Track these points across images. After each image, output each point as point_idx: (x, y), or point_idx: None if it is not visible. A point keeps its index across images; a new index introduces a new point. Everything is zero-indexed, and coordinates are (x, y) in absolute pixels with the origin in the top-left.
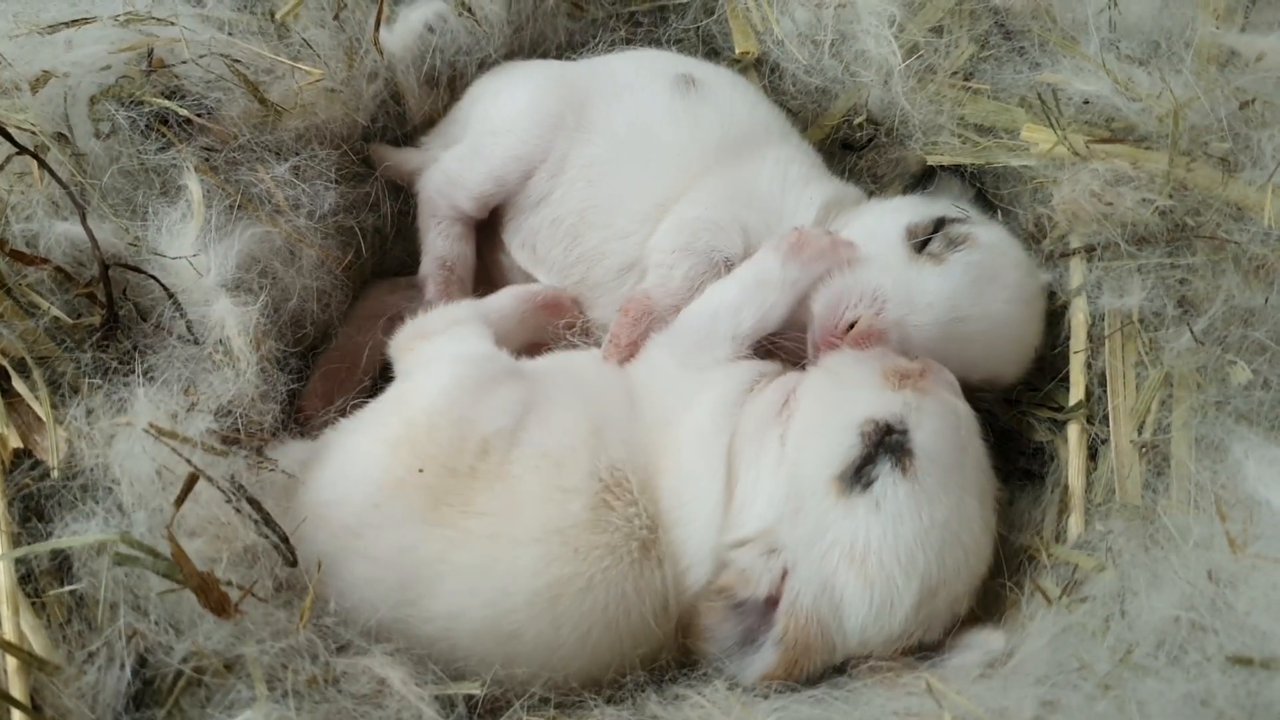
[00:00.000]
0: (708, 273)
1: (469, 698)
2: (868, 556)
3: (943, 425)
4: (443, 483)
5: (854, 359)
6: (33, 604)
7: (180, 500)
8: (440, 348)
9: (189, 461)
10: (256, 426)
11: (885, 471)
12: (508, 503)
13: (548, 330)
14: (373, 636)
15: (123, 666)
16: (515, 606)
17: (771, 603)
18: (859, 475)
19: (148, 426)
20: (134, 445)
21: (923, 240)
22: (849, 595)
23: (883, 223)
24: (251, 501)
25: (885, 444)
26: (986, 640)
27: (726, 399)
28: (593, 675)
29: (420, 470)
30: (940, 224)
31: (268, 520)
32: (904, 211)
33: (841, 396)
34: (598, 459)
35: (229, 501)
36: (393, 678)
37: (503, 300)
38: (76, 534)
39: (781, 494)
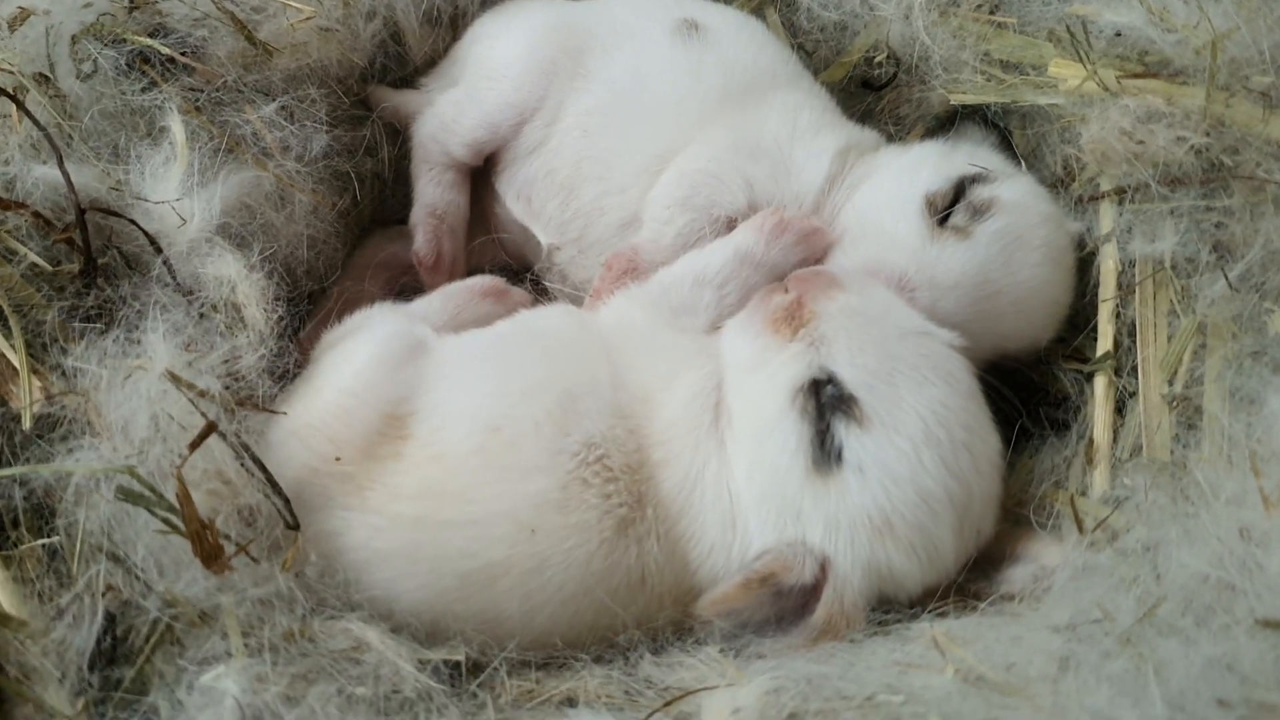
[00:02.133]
0: (706, 229)
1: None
2: (890, 522)
3: (854, 340)
4: (363, 469)
5: (739, 330)
6: (4, 557)
7: (195, 445)
8: (357, 338)
9: (203, 414)
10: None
11: (843, 433)
12: (440, 485)
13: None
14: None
15: (92, 623)
16: (448, 588)
17: (816, 587)
18: (825, 453)
19: (165, 371)
20: (134, 391)
21: (945, 213)
22: (896, 564)
23: (900, 188)
24: (257, 461)
25: (824, 406)
26: (1042, 552)
27: (709, 386)
28: (557, 641)
29: (337, 459)
30: (961, 189)
31: (272, 482)
32: (922, 171)
33: (761, 381)
34: (569, 434)
35: (238, 458)
36: (371, 636)
37: (430, 301)
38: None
39: (772, 508)
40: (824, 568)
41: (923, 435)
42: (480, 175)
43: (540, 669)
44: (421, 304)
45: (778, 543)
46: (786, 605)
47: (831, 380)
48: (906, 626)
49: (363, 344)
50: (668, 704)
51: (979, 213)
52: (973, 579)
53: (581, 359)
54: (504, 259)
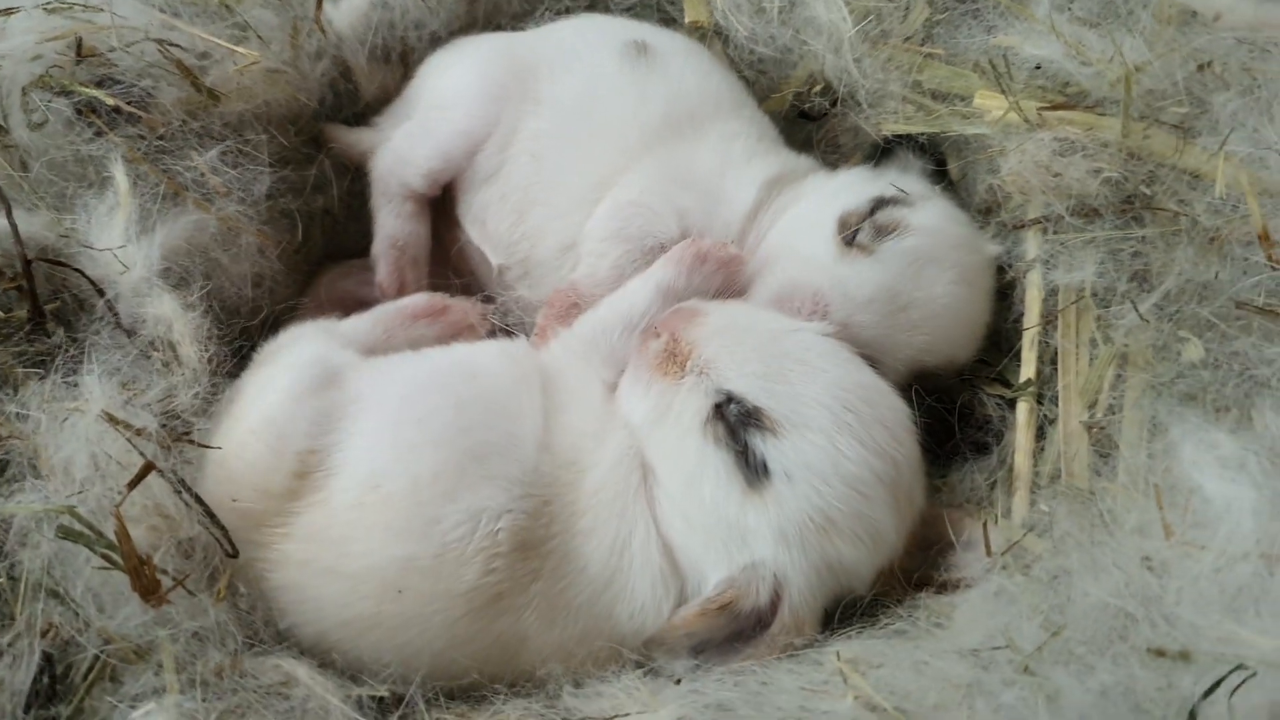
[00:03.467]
0: (639, 260)
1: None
2: (830, 518)
3: (736, 354)
4: (261, 505)
5: (632, 387)
6: None
7: (133, 484)
8: (276, 365)
9: (140, 453)
10: (191, 423)
11: (761, 445)
12: (323, 532)
13: (442, 337)
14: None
15: (30, 662)
16: (327, 629)
17: (773, 604)
18: (752, 471)
19: (101, 413)
20: (72, 433)
21: (853, 232)
22: (846, 555)
23: (819, 210)
24: (195, 495)
25: (734, 426)
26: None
27: (634, 448)
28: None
29: (234, 500)
30: (875, 210)
31: (209, 514)
32: (841, 195)
33: (669, 428)
34: (455, 500)
35: (177, 492)
36: (300, 672)
37: (359, 321)
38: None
39: (718, 543)
40: (777, 587)
41: (833, 423)
42: (440, 206)
43: (464, 701)
44: (350, 324)
45: (731, 571)
46: (744, 625)
47: (731, 398)
48: (818, 650)
49: (277, 377)
50: None
51: (884, 231)
52: (921, 564)
53: (503, 412)
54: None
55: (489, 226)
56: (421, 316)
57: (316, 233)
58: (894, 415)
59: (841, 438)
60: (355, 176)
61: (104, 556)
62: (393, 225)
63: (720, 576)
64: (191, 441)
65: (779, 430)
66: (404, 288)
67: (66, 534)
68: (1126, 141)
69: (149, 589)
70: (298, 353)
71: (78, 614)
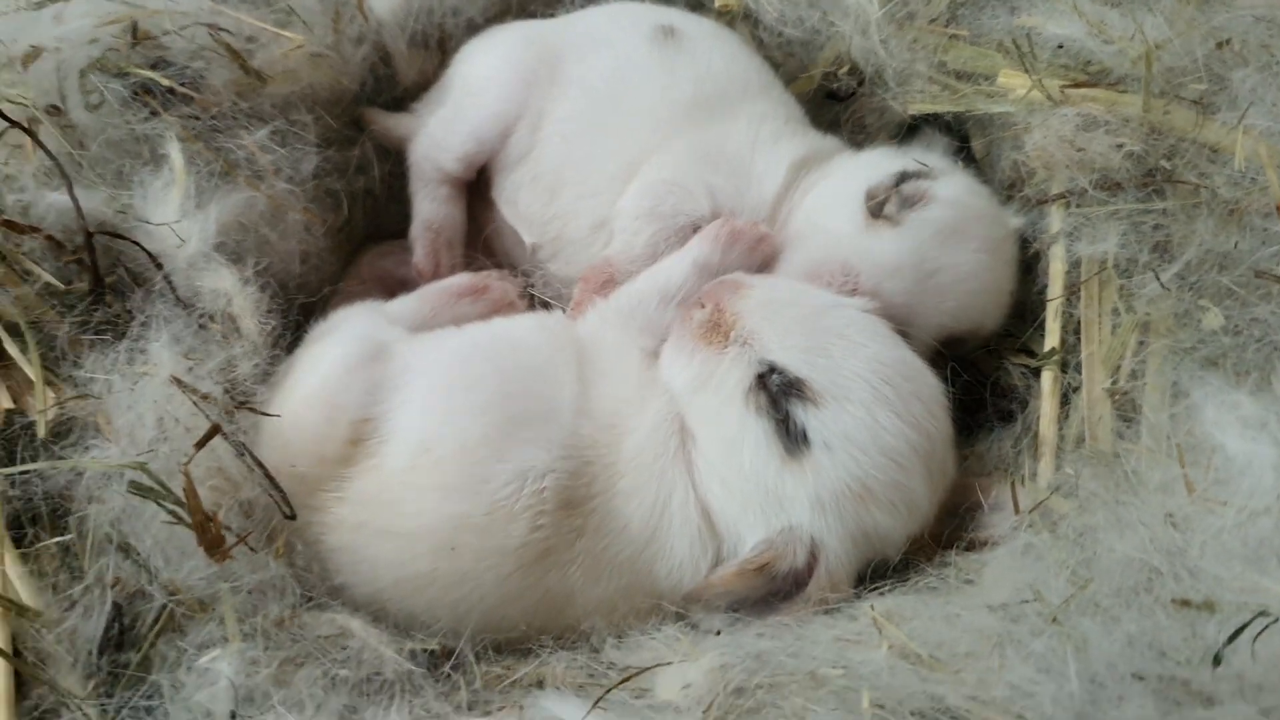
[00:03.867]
0: (672, 237)
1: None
2: (868, 487)
3: (779, 326)
4: (316, 471)
5: (675, 354)
6: (22, 554)
7: (200, 444)
8: (328, 341)
9: (207, 416)
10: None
11: (802, 415)
12: (377, 495)
13: (484, 313)
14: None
15: (101, 612)
16: (382, 588)
17: (808, 566)
18: (791, 440)
19: (169, 378)
20: (140, 398)
21: (880, 203)
22: (881, 523)
23: (845, 187)
24: (256, 459)
25: (776, 396)
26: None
27: (673, 413)
28: (522, 626)
29: (292, 465)
30: (899, 181)
31: (269, 477)
32: (866, 171)
33: (711, 395)
34: (504, 460)
35: (239, 455)
36: (354, 625)
37: (406, 301)
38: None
39: (757, 507)
40: (813, 549)
41: (872, 396)
42: (475, 189)
43: (511, 654)
44: (398, 304)
45: (768, 534)
46: (781, 586)
47: (774, 369)
48: (852, 604)
49: (329, 351)
50: (624, 680)
51: (910, 202)
52: (949, 528)
53: (543, 380)
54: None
55: (521, 206)
56: (465, 295)
57: (359, 212)
58: (929, 390)
59: (880, 410)
60: (396, 159)
61: (171, 513)
62: (429, 209)
63: (757, 538)
64: (252, 409)
65: (820, 401)
66: (439, 269)
67: (137, 490)
68: (1148, 117)
69: (214, 544)
70: (349, 329)
71: (144, 568)
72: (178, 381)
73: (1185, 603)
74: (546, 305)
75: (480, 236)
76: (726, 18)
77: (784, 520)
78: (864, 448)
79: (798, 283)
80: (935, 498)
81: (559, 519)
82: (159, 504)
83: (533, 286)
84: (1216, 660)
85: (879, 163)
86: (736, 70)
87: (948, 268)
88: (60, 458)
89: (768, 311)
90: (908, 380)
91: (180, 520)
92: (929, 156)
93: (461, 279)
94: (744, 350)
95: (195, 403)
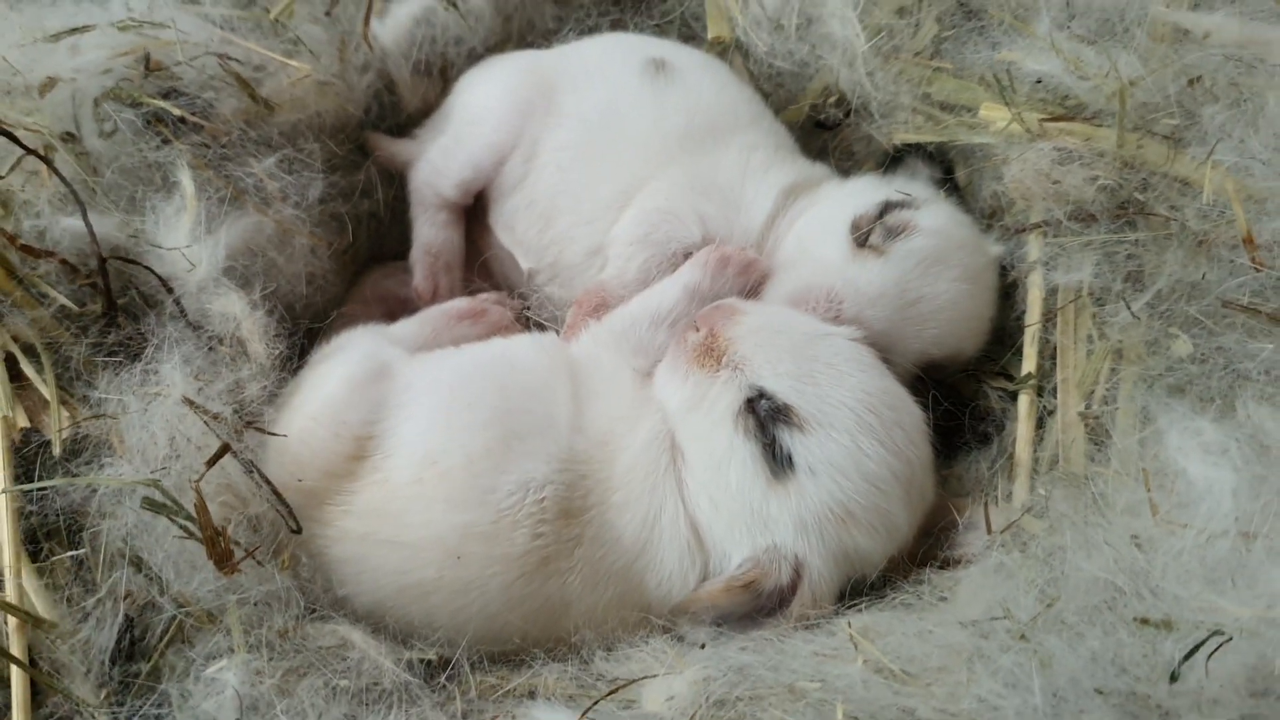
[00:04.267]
0: (664, 263)
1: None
2: (849, 511)
3: (770, 353)
4: (323, 485)
5: (670, 374)
6: (38, 567)
7: (211, 463)
8: (332, 362)
9: (218, 436)
10: (259, 414)
11: (788, 440)
12: (383, 507)
13: (482, 336)
14: (334, 605)
15: (113, 624)
16: (384, 597)
17: (792, 584)
18: (777, 463)
19: (181, 398)
20: (152, 417)
21: (865, 233)
22: (862, 545)
23: (832, 216)
24: (264, 477)
25: (764, 420)
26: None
27: (664, 431)
28: (515, 640)
29: (299, 480)
30: (884, 213)
31: (277, 494)
32: (852, 200)
33: (702, 416)
34: (506, 472)
35: (248, 472)
36: (355, 636)
37: (408, 324)
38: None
39: (742, 526)
40: (797, 568)
41: (856, 425)
42: (473, 214)
43: (504, 665)
44: (399, 327)
45: (753, 551)
46: (766, 603)
47: (763, 394)
48: (830, 620)
49: (334, 370)
50: (612, 691)
51: (894, 232)
52: (924, 547)
53: (539, 398)
54: (498, 286)
55: (518, 232)
56: (465, 317)
57: (363, 235)
58: (911, 419)
59: (863, 438)
60: (399, 182)
61: (183, 528)
62: (428, 233)
63: (743, 555)
64: (260, 429)
65: (805, 427)
66: (439, 291)
67: (151, 505)
68: (1121, 151)
69: (223, 558)
70: (353, 349)
71: (155, 580)
72: (190, 402)
73: (1145, 621)
74: (542, 327)
75: (478, 260)
76: (719, 49)
77: (768, 539)
78: (847, 473)
79: (789, 310)
80: (914, 521)
81: (558, 528)
82: (171, 519)
83: (529, 309)
84: (1174, 677)
85: (864, 192)
86: (726, 101)
87: (929, 296)
88: (75, 475)
89: (759, 338)
90: (891, 409)
91: (191, 535)
92: (912, 185)
93: (460, 302)
94: (735, 375)
95: (206, 422)
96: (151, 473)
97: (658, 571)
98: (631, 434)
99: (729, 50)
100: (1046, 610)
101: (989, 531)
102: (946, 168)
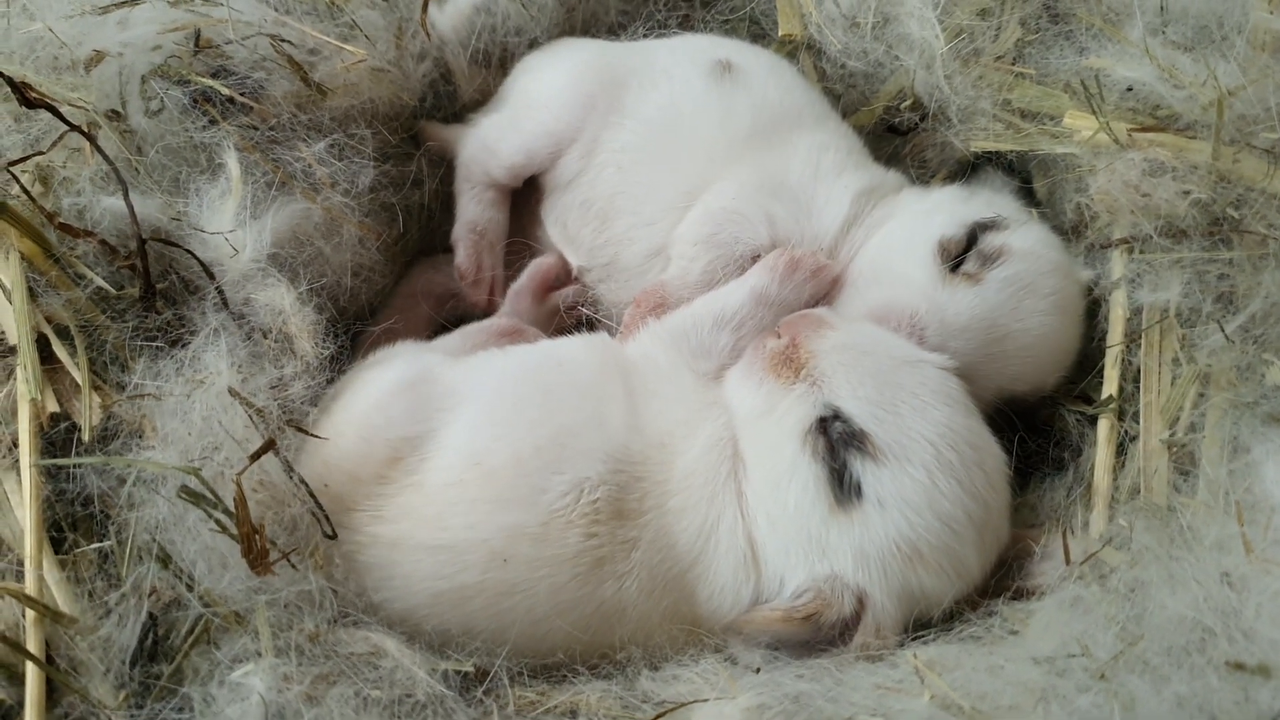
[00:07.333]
0: (730, 265)
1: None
2: (918, 549)
3: (853, 374)
4: (350, 490)
5: (743, 379)
6: (60, 559)
7: (255, 457)
8: (373, 373)
9: (261, 431)
10: (301, 412)
11: (859, 468)
12: (419, 510)
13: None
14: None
15: (136, 622)
16: (419, 604)
17: (855, 616)
18: (844, 491)
19: (227, 389)
20: (193, 407)
21: (958, 259)
22: (928, 586)
23: (916, 233)
24: (300, 478)
25: (835, 443)
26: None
27: (726, 436)
28: (559, 654)
29: (325, 485)
30: (974, 236)
31: (313, 496)
32: (937, 217)
33: (770, 427)
34: (560, 472)
35: (287, 472)
36: (389, 645)
37: (450, 339)
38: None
39: (799, 549)
40: (861, 600)
41: (935, 461)
42: (520, 196)
43: (544, 680)
44: (440, 343)
45: (810, 579)
46: (825, 635)
47: (838, 415)
48: (893, 652)
49: (377, 376)
50: (659, 715)
51: (990, 260)
52: (997, 575)
53: (592, 397)
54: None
55: (570, 229)
56: (504, 336)
57: (414, 227)
58: (993, 462)
59: (942, 477)
60: (448, 173)
61: (218, 522)
62: (473, 211)
63: (798, 580)
64: (301, 429)
65: (880, 458)
66: (480, 271)
67: (188, 495)
68: (1217, 164)
69: (259, 557)
70: (394, 359)
71: (182, 576)
72: (235, 394)
73: (1239, 665)
74: (592, 326)
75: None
76: (789, 47)
77: (826, 568)
78: (920, 511)
79: (880, 330)
80: (986, 565)
81: (613, 529)
82: (208, 512)
83: (583, 305)
84: None
85: (950, 207)
86: (791, 101)
87: (1017, 333)
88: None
89: (844, 356)
90: (974, 449)
91: (225, 530)
92: (998, 200)
93: (502, 323)
94: (811, 390)
95: (250, 416)
96: (189, 463)
97: (710, 584)
98: (691, 438)
99: (799, 49)
100: (1129, 649)
101: (1067, 562)
102: (1024, 178)
